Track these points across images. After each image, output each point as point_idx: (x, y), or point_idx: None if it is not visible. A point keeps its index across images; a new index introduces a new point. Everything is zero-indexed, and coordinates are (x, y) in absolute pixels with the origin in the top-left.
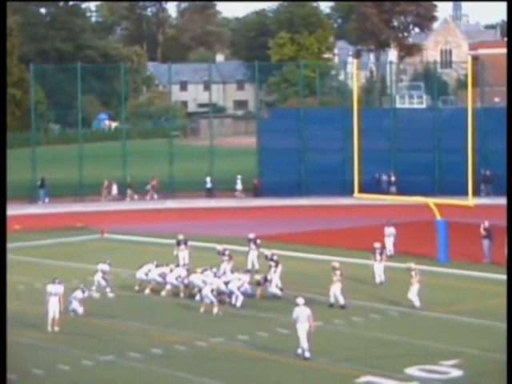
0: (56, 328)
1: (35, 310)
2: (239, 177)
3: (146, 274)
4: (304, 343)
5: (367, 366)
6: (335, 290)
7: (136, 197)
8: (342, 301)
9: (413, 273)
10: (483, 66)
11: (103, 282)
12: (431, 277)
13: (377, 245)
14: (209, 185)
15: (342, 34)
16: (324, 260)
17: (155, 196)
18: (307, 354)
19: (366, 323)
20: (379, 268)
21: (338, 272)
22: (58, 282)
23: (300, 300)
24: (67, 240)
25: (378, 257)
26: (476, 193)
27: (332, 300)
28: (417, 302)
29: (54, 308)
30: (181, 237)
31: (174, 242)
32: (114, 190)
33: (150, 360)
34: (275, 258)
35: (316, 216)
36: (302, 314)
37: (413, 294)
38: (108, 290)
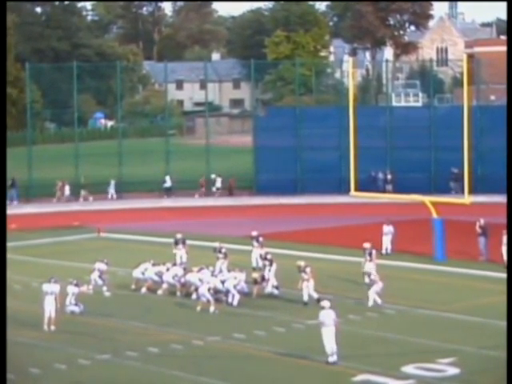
0: (52, 327)
1: (31, 309)
2: (213, 176)
3: (143, 273)
4: (331, 347)
5: (364, 364)
6: (308, 288)
7: (91, 199)
8: (315, 295)
9: (372, 276)
10: (479, 64)
11: (100, 281)
12: (428, 275)
13: (366, 245)
14: (168, 184)
15: (338, 32)
16: (320, 258)
17: (197, 195)
18: (334, 358)
19: (362, 321)
20: (369, 268)
21: (308, 269)
22: (53, 281)
23: (325, 303)
24: (64, 239)
25: (368, 257)
26: (447, 190)
27: (305, 298)
28: (371, 302)
29: (50, 307)
30: (179, 236)
31: (171, 240)
32: (67, 190)
33: (146, 359)
34: (269, 256)
35: (312, 214)
36: (328, 318)
37: (372, 292)
38: (105, 288)
